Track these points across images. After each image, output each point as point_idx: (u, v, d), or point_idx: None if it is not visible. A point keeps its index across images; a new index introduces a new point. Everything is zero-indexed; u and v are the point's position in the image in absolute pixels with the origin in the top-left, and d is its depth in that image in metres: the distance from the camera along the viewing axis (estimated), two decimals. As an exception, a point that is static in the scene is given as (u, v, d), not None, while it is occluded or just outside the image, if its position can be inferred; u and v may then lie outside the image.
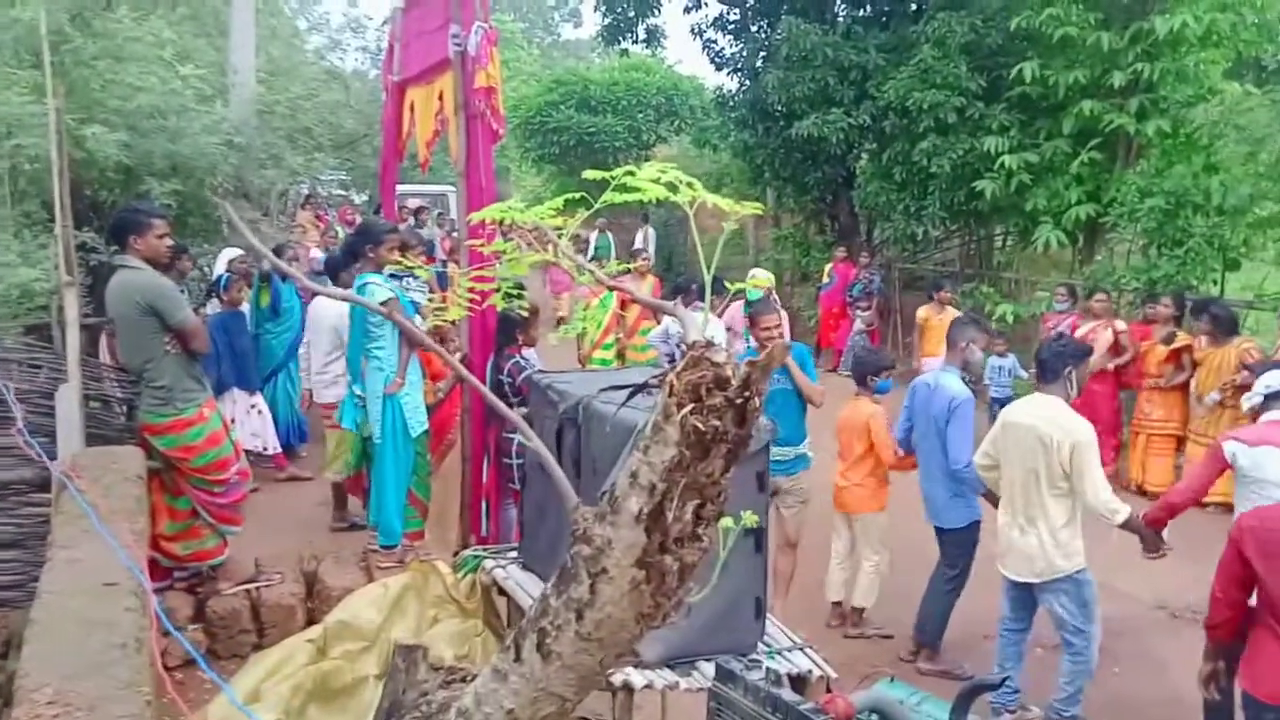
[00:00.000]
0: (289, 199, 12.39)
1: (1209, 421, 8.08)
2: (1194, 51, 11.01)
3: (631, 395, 1.66)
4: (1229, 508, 5.05)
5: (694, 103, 22.43)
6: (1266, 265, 11.08)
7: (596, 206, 2.02)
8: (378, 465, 5.79)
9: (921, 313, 10.59)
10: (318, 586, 5.39)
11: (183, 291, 5.69)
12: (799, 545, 5.84)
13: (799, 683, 3.78)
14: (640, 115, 22.16)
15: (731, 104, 16.30)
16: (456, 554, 5.21)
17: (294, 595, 5.30)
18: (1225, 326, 8.14)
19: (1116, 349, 8.83)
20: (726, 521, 1.57)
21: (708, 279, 1.69)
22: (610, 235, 17.39)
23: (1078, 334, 8.85)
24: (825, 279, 14.29)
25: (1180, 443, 8.54)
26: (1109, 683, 5.42)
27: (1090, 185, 11.56)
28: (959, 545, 5.47)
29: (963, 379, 5.44)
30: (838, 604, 6.03)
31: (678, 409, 1.37)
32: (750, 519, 1.64)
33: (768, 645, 3.91)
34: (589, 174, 2.02)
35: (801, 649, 3.94)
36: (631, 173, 1.81)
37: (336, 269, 6.62)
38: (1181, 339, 8.47)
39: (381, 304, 5.30)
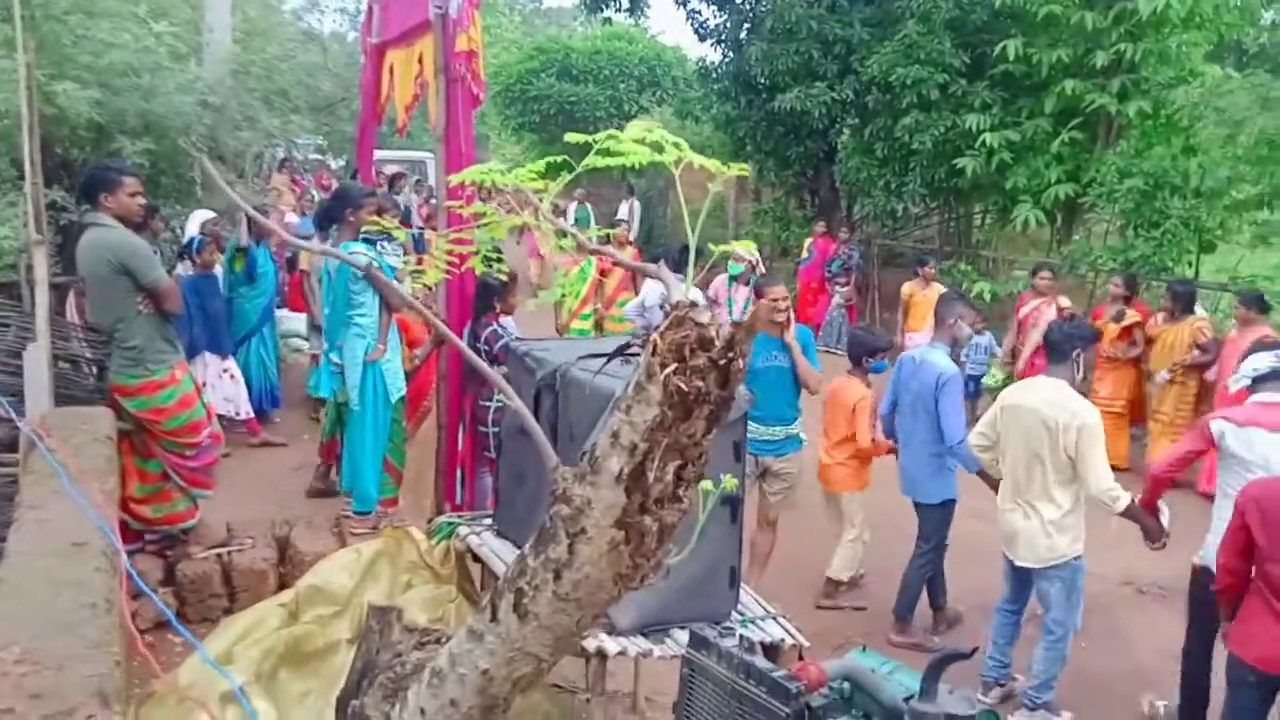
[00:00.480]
0: (264, 162, 12.24)
1: (1159, 396, 8.36)
2: (1176, 33, 11.04)
3: (610, 358, 1.64)
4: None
5: (676, 74, 22.33)
6: (1241, 248, 11.18)
7: (578, 170, 1.99)
8: (355, 432, 5.75)
9: (906, 288, 10.62)
10: (290, 552, 5.35)
11: (155, 252, 5.60)
12: (778, 524, 5.82)
13: (772, 651, 3.80)
14: (622, 85, 22.04)
15: (714, 75, 16.21)
16: (431, 521, 5.19)
17: (266, 560, 5.25)
18: (1184, 303, 8.29)
19: None
20: (706, 485, 1.56)
21: (692, 245, 1.67)
22: (589, 206, 17.30)
23: (1022, 311, 9.01)
24: (804, 254, 14.28)
25: (1130, 420, 8.76)
26: (1077, 657, 5.47)
27: (1070, 165, 11.61)
28: (934, 521, 5.51)
29: (950, 355, 5.47)
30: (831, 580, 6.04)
31: (661, 368, 1.35)
32: (730, 483, 1.63)
33: (741, 614, 3.93)
34: (570, 137, 1.99)
35: (775, 618, 3.97)
36: (615, 137, 1.78)
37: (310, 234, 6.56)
38: (1131, 316, 8.65)
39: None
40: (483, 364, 1.89)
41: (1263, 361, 4.43)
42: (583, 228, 16.13)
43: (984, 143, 11.77)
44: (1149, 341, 8.47)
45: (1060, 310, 8.84)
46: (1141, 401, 8.72)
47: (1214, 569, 3.96)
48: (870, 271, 14.61)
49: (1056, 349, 4.80)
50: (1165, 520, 4.59)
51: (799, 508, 5.99)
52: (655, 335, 1.37)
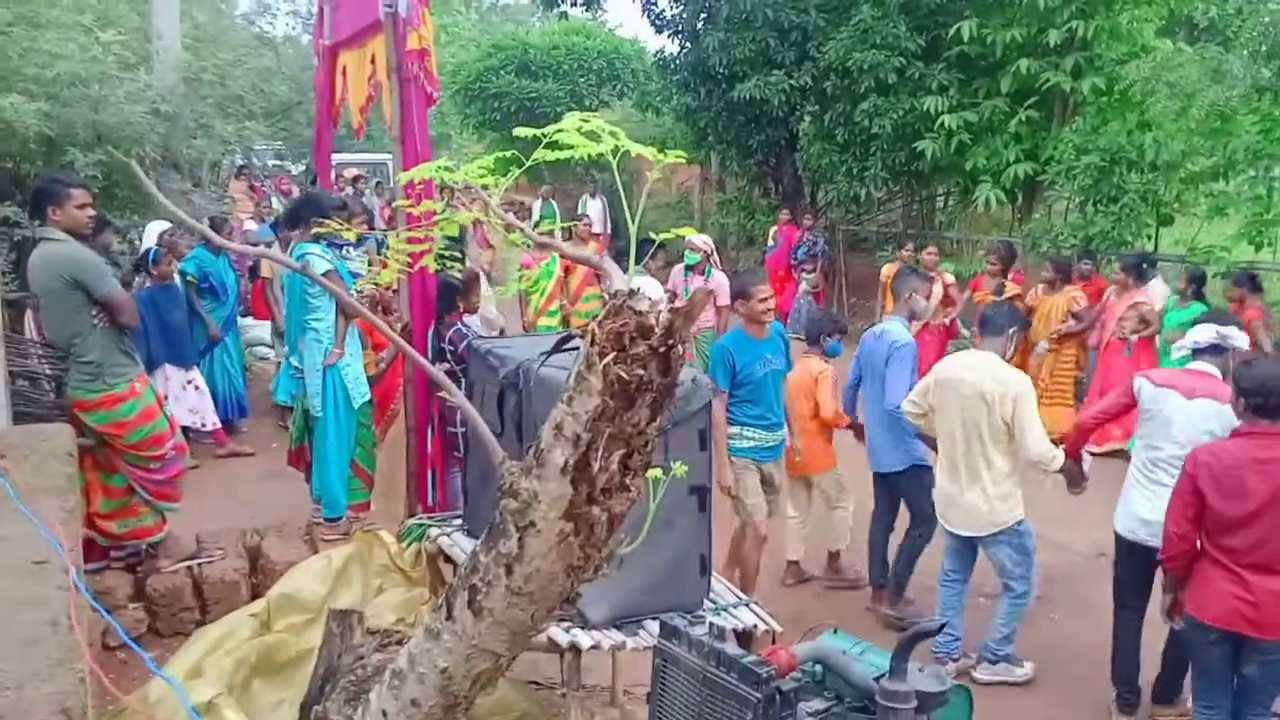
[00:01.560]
0: (222, 169, 12.10)
1: (1037, 365, 8.64)
2: (1128, 9, 11.14)
3: (552, 351, 1.63)
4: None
5: (636, 66, 22.27)
6: (1199, 220, 11.31)
7: (527, 164, 1.98)
8: (319, 438, 5.71)
9: (886, 270, 10.72)
10: (261, 561, 5.32)
11: (108, 264, 5.53)
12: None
13: (745, 638, 3.82)
14: (581, 80, 21.97)
15: (673, 67, 16.19)
16: (403, 524, 5.17)
17: (237, 571, 5.21)
18: (1134, 273, 8.55)
19: (947, 300, 9.29)
20: (655, 472, 1.56)
21: (633, 236, 1.66)
22: (555, 203, 17.26)
23: None
24: (770, 242, 14.33)
25: None
26: (1048, 628, 5.58)
27: (1028, 144, 11.69)
28: (908, 490, 5.57)
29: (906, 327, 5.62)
30: (794, 563, 6.08)
31: (600, 358, 1.35)
32: (680, 470, 1.63)
33: (713, 602, 3.94)
34: (520, 131, 1.98)
35: (747, 605, 3.98)
36: (562, 129, 1.78)
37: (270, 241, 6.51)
38: (1010, 289, 8.95)
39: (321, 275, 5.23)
40: (421, 359, 1.89)
41: (1204, 334, 4.53)
42: (548, 225, 16.11)
43: (943, 124, 11.83)
44: (1029, 312, 8.77)
45: (946, 286, 9.18)
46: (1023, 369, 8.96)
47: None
48: (836, 257, 14.68)
49: (992, 324, 4.98)
50: (1086, 467, 4.84)
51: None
52: (593, 325, 1.37)
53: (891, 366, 5.38)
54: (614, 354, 1.35)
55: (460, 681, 1.63)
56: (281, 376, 5.89)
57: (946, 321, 9.24)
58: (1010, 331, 4.94)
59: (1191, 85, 9.71)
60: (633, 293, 1.40)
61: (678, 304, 5.15)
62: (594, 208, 16.63)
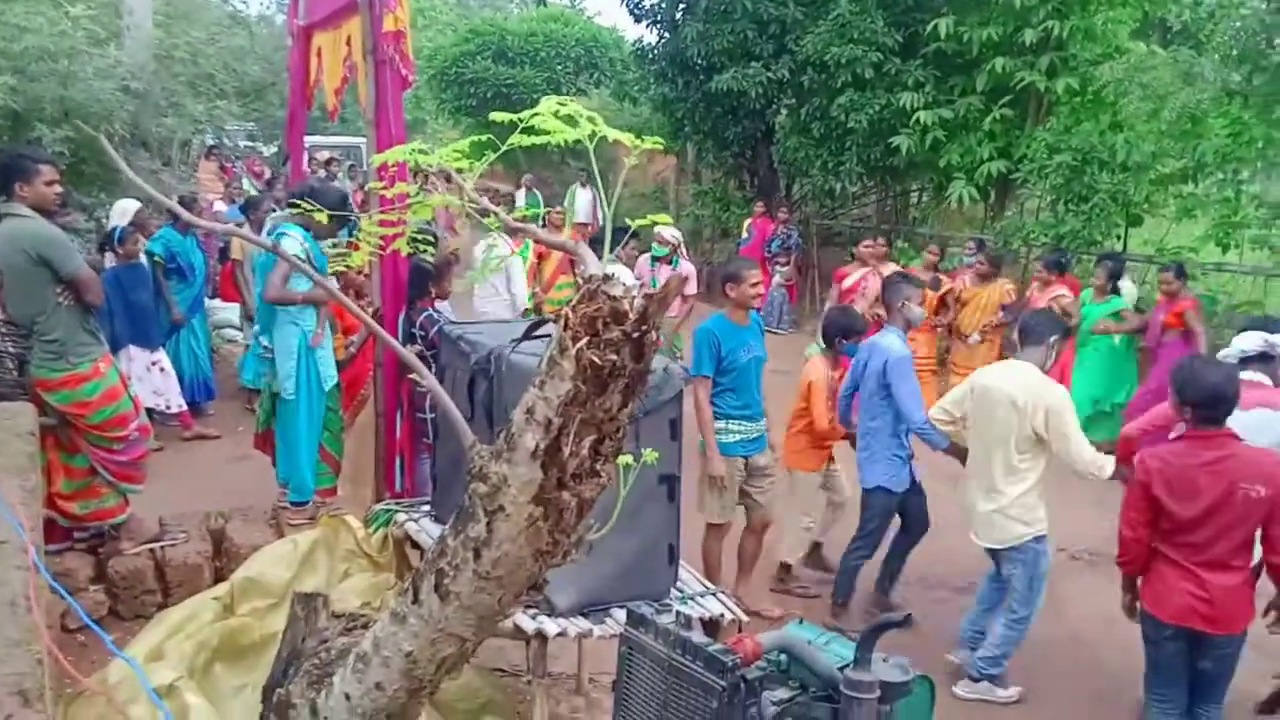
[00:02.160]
0: (192, 149, 11.94)
1: (969, 355, 8.83)
2: (1102, 10, 11.24)
3: (523, 337, 1.62)
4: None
5: (614, 55, 22.21)
6: (1167, 221, 11.45)
7: (503, 149, 1.97)
8: (290, 421, 5.66)
9: (844, 272, 10.71)
10: (226, 545, 5.27)
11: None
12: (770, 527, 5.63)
13: (712, 627, 3.84)
14: (559, 67, 21.88)
15: (651, 57, 16.17)
16: (370, 509, 5.13)
17: (200, 554, 5.17)
18: (1055, 269, 8.81)
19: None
20: (625, 459, 1.55)
21: (608, 224, 1.66)
22: (539, 193, 17.16)
23: (846, 282, 9.28)
24: (744, 234, 14.35)
25: (935, 376, 9.25)
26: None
27: (1002, 142, 11.78)
28: (867, 508, 5.45)
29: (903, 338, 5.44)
30: (787, 565, 5.99)
31: (573, 343, 1.34)
32: (650, 456, 1.63)
33: (681, 591, 3.95)
34: (496, 116, 1.96)
35: (714, 594, 3.99)
36: (539, 114, 1.76)
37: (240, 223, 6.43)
38: (945, 283, 9.19)
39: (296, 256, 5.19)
40: (395, 343, 1.87)
41: (1251, 342, 4.55)
42: (522, 212, 16.01)
43: (918, 121, 11.89)
44: (962, 304, 9.01)
45: (884, 278, 9.20)
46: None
47: None
48: (810, 251, 14.73)
49: (1033, 333, 4.80)
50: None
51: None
52: (567, 310, 1.36)
53: (895, 385, 5.18)
54: (587, 339, 1.35)
55: (425, 665, 1.62)
56: (249, 358, 5.82)
57: (882, 314, 9.34)
58: (1051, 340, 4.76)
59: (1163, 87, 9.80)
60: (607, 278, 1.39)
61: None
62: (584, 197, 16.54)
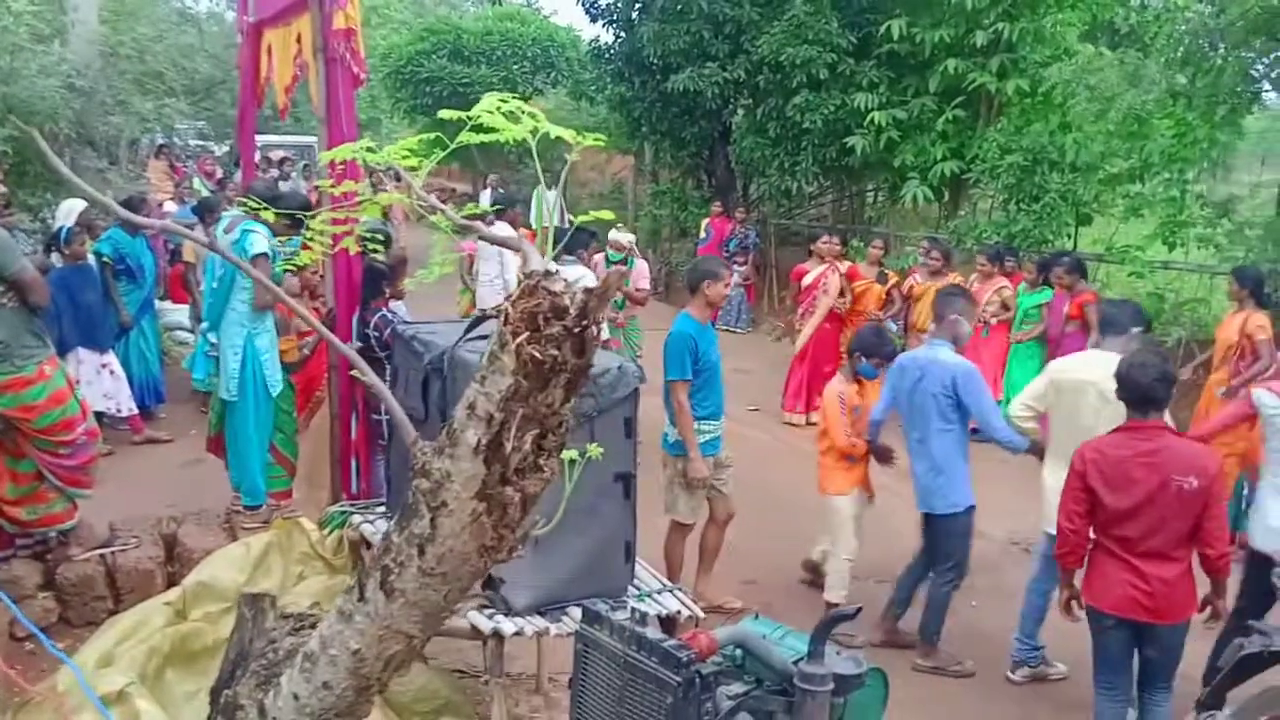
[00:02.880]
0: (141, 148, 11.74)
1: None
2: (1051, 12, 11.42)
3: (467, 331, 1.62)
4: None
5: (570, 55, 22.14)
6: (1116, 220, 11.66)
7: (453, 146, 1.96)
8: (239, 423, 5.60)
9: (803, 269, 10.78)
10: (178, 549, 5.21)
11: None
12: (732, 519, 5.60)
13: (669, 623, 3.85)
14: (515, 66, 21.78)
15: (607, 56, 16.16)
16: (325, 511, 5.09)
17: (152, 559, 5.10)
18: (996, 260, 9.10)
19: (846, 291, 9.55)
20: (570, 454, 1.56)
21: (550, 223, 1.66)
22: (503, 193, 17.03)
23: (806, 279, 9.47)
24: (702, 234, 14.40)
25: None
26: (967, 615, 5.71)
27: (955, 142, 11.93)
28: (953, 534, 5.12)
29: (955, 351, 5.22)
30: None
31: (513, 338, 1.35)
32: (594, 451, 1.64)
33: (638, 588, 3.97)
34: (444, 113, 1.96)
35: (671, 590, 4.01)
36: (489, 110, 1.76)
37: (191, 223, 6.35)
38: (891, 278, 9.47)
39: (254, 257, 5.15)
40: (332, 337, 1.87)
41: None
42: (471, 209, 15.78)
43: (873, 121, 12.00)
44: (915, 299, 9.21)
45: (842, 276, 9.38)
46: None
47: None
48: (767, 250, 14.81)
49: (1114, 323, 4.74)
50: None
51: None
52: (507, 305, 1.37)
53: (969, 399, 4.94)
54: (528, 334, 1.35)
55: (372, 663, 1.62)
56: (197, 355, 5.73)
57: (845, 306, 9.45)
58: (1134, 331, 4.69)
59: (1110, 89, 9.98)
60: (548, 273, 1.40)
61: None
62: (550, 198, 16.39)
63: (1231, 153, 12.60)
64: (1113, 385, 4.32)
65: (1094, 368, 4.59)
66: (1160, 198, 10.33)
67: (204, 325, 5.59)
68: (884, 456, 5.46)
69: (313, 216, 2.55)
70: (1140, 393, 3.83)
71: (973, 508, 5.11)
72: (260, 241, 5.31)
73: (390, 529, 1.56)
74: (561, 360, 1.39)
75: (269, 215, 2.70)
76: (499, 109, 1.65)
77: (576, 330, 1.38)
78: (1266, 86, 11.03)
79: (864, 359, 5.40)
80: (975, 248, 11.02)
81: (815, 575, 5.84)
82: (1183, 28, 10.04)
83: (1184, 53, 10.12)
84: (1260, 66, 10.54)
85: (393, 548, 1.53)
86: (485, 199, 16.12)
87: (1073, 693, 4.91)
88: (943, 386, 4.96)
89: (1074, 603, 4.14)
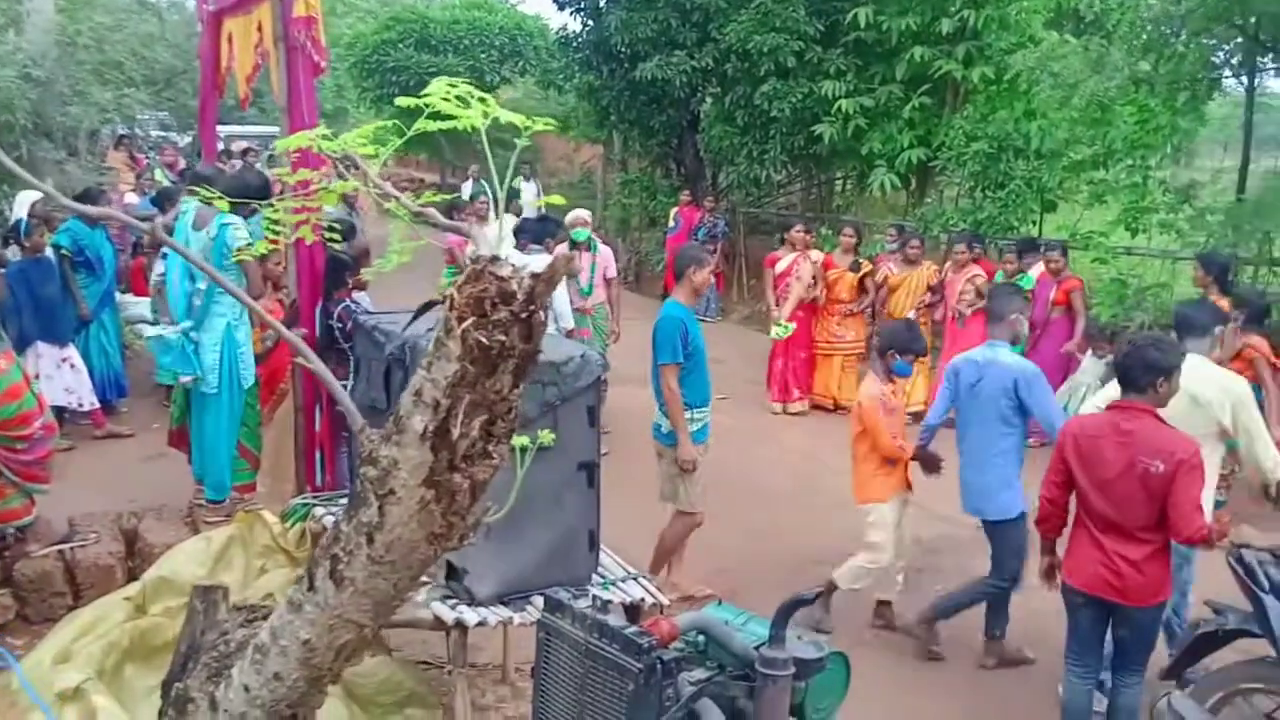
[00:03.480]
0: (101, 139, 11.56)
1: None
2: (1016, 0, 11.49)
3: (416, 316, 1.61)
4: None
5: (538, 43, 22.01)
6: (1080, 206, 11.76)
7: (409, 134, 1.94)
8: (210, 416, 5.56)
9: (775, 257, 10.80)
10: (139, 545, 5.14)
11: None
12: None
13: (634, 611, 3.85)
14: (483, 55, 21.63)
15: (575, 45, 16.08)
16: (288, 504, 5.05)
17: (112, 555, 5.03)
18: (915, 254, 9.24)
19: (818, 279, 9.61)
20: (522, 440, 1.55)
21: (500, 202, 1.65)
22: (485, 184, 16.86)
23: (779, 266, 9.53)
24: (671, 223, 14.38)
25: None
26: (931, 597, 5.75)
27: (921, 130, 11.98)
28: (1010, 541, 4.95)
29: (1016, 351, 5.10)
30: (885, 603, 5.42)
31: (459, 323, 1.33)
32: (546, 437, 1.63)
33: (602, 577, 3.97)
34: (401, 101, 1.94)
35: (635, 578, 4.02)
36: (448, 99, 1.74)
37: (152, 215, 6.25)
38: (865, 266, 9.46)
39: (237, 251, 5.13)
40: (277, 324, 1.85)
41: None
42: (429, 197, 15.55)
43: (840, 109, 12.03)
44: (890, 289, 9.27)
45: (815, 263, 9.46)
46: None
47: None
48: (736, 239, 14.83)
49: (1194, 325, 4.55)
50: None
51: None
52: (453, 290, 1.35)
53: (1033, 401, 4.78)
54: (474, 319, 1.34)
55: (323, 653, 1.61)
56: (176, 350, 5.62)
57: (818, 294, 9.51)
58: (1216, 331, 4.60)
59: (1074, 75, 10.05)
60: (495, 259, 1.38)
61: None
62: (528, 190, 16.30)
63: (1194, 139, 12.78)
64: (1212, 392, 4.30)
65: (1187, 373, 4.25)
66: (1123, 184, 10.42)
67: (187, 324, 5.49)
68: (932, 465, 5.23)
69: (269, 204, 2.53)
70: (1124, 374, 3.90)
71: (1025, 514, 4.86)
72: (241, 235, 5.25)
73: (339, 518, 1.54)
74: (509, 346, 1.37)
75: (221, 205, 2.65)
76: (449, 95, 1.63)
77: (524, 315, 1.37)
78: (1227, 73, 11.18)
79: (898, 356, 5.20)
80: (942, 235, 11.11)
81: (888, 620, 5.39)
82: (1145, 14, 10.15)
83: (1146, 39, 10.22)
84: (1221, 54, 10.69)
85: (341, 537, 1.51)
86: (467, 190, 15.97)
87: (1033, 677, 4.98)
88: (1004, 389, 4.80)
89: (1054, 571, 4.22)
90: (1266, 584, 3.73)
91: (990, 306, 5.25)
